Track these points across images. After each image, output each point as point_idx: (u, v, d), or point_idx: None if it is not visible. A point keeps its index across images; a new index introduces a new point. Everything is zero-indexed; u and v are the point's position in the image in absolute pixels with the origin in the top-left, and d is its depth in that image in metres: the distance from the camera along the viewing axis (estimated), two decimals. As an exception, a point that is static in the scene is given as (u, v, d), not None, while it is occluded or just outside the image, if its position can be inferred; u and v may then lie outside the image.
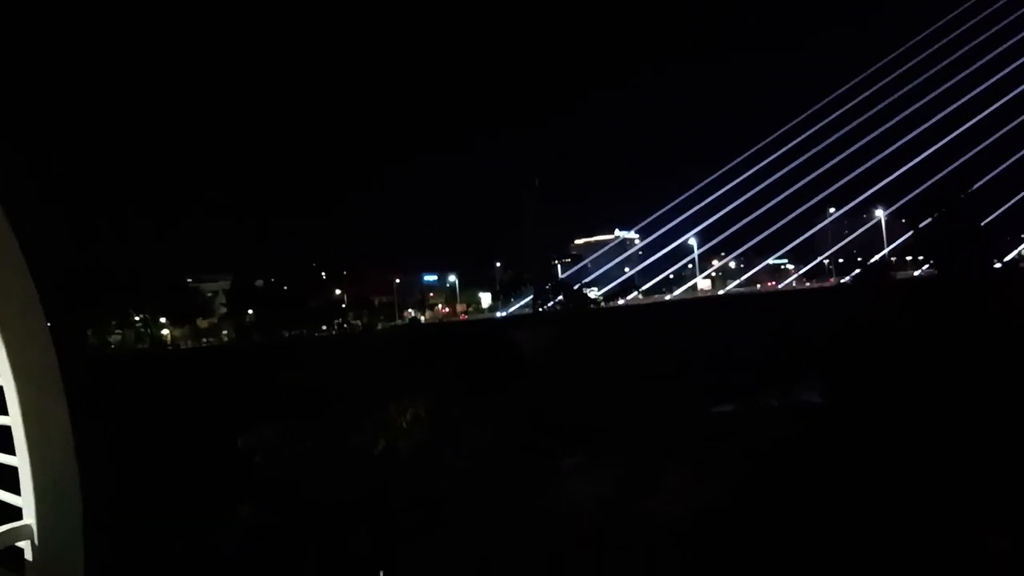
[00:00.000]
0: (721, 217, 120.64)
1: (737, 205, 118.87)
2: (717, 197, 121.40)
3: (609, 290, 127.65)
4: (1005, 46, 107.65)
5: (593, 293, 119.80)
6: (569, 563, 18.43)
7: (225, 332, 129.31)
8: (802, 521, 17.76)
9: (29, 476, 3.13)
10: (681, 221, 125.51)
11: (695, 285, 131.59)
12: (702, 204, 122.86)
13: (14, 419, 3.16)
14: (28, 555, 3.13)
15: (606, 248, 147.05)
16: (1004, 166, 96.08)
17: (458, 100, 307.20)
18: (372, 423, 22.92)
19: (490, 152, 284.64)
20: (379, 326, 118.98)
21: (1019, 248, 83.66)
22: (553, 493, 21.70)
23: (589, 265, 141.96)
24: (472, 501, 20.43)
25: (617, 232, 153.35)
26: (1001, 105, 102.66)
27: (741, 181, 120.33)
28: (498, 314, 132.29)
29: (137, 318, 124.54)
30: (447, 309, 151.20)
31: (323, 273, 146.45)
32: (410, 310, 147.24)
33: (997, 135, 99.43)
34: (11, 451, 3.24)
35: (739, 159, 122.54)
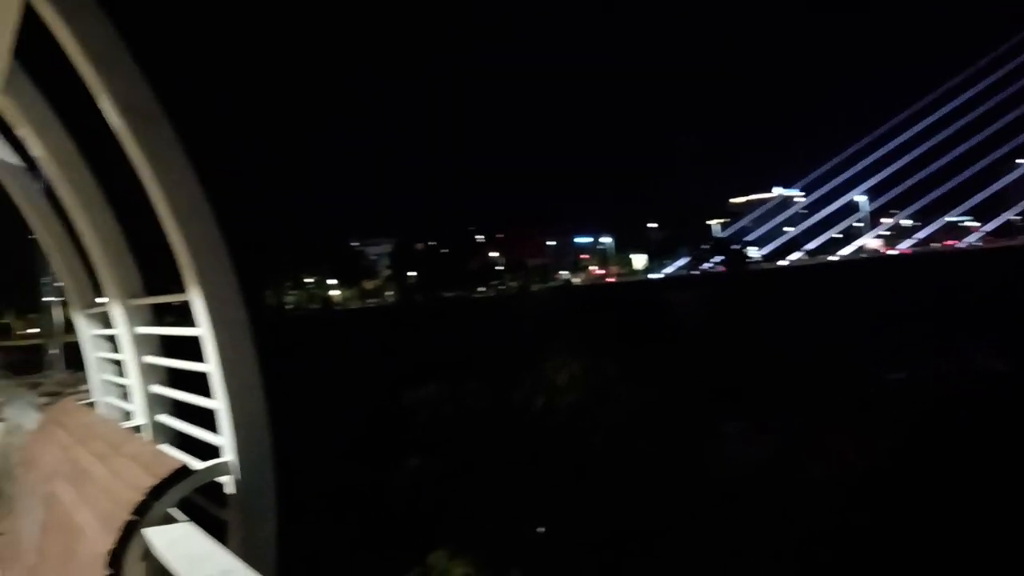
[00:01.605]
0: (894, 172, 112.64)
1: (913, 158, 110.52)
2: (890, 149, 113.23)
3: (770, 250, 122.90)
4: None
5: (753, 253, 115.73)
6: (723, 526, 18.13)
7: (388, 293, 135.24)
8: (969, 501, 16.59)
9: (228, 417, 3.43)
10: (849, 177, 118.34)
11: (863, 245, 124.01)
12: (873, 157, 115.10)
13: (213, 366, 3.46)
14: (229, 489, 3.43)
15: (766, 207, 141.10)
16: None
17: (613, 55, 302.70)
18: (530, 381, 23.32)
19: (645, 109, 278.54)
20: (533, 288, 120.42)
21: None
22: (709, 456, 21.36)
23: (748, 224, 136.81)
24: (625, 460, 20.43)
25: (778, 190, 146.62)
26: None
27: (917, 131, 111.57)
28: (651, 276, 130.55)
29: (309, 280, 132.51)
30: (600, 271, 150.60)
31: (479, 236, 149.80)
32: (563, 272, 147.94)
33: None
34: (211, 395, 3.56)
35: (915, 107, 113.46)
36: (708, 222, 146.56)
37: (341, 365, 36.33)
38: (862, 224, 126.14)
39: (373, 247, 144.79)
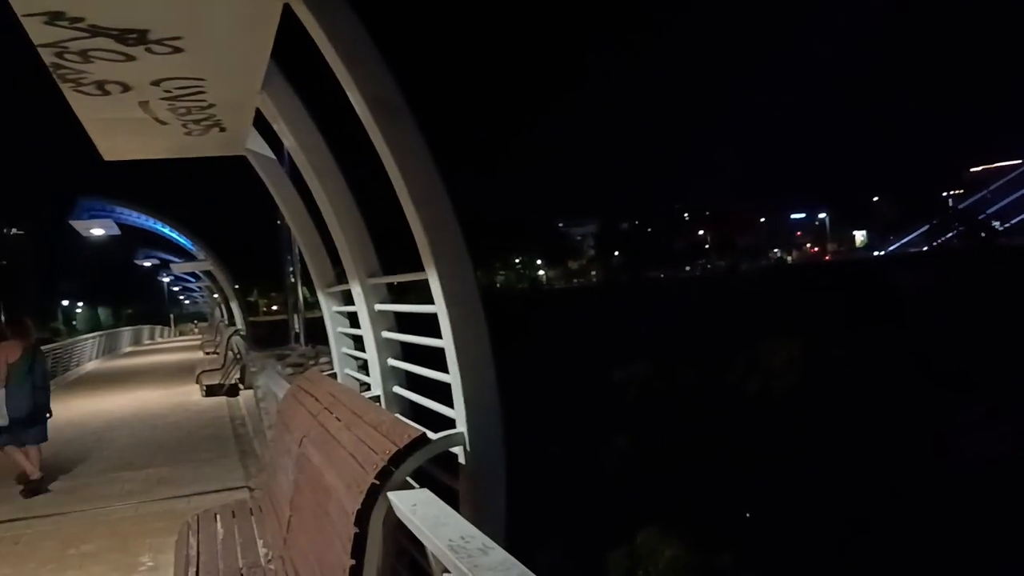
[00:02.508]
0: None
1: None
2: None
3: (1015, 224, 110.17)
4: None
5: (995, 227, 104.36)
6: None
7: (593, 273, 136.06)
8: None
9: (460, 391, 3.59)
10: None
11: None
12: None
13: (447, 342, 3.63)
14: (461, 459, 3.60)
15: (1012, 176, 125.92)
16: None
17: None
18: (745, 363, 22.54)
19: (861, 64, 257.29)
20: (743, 267, 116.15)
21: None
22: (945, 448, 19.62)
23: (989, 195, 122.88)
24: (849, 454, 19.24)
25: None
26: None
27: None
28: (875, 253, 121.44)
29: (516, 260, 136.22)
30: (816, 248, 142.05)
31: (686, 214, 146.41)
32: (776, 250, 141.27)
33: None
34: (446, 369, 3.74)
35: None
36: (942, 193, 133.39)
37: (549, 343, 37.04)
38: None
39: (578, 227, 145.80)
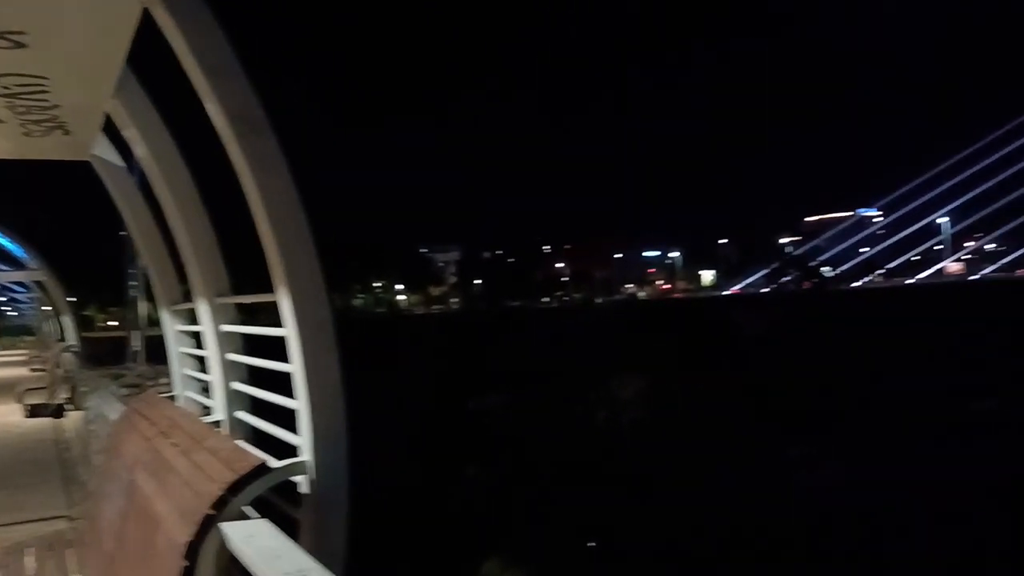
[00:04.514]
0: (980, 193, 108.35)
1: (1001, 179, 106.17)
2: (977, 170, 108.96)
3: (845, 270, 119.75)
4: None
5: (829, 273, 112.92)
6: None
7: (454, 300, 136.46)
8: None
9: (307, 417, 3.49)
10: (932, 198, 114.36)
11: (942, 269, 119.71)
12: (958, 179, 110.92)
13: (296, 366, 3.53)
14: (304, 488, 3.49)
15: (842, 226, 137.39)
16: None
17: (682, 66, 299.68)
18: (594, 396, 23.19)
19: (713, 122, 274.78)
20: (598, 300, 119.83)
21: None
22: (771, 482, 20.84)
23: (822, 244, 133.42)
24: (684, 482, 20.10)
25: (856, 209, 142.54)
26: None
27: (1010, 151, 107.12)
28: (722, 292, 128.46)
29: (377, 284, 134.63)
30: (667, 285, 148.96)
31: (546, 247, 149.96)
32: (629, 285, 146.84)
33: None
34: (291, 395, 3.63)
35: (1008, 126, 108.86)
36: (780, 240, 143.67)
37: (404, 369, 36.72)
38: (942, 247, 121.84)
39: (441, 254, 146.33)
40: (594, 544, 19.65)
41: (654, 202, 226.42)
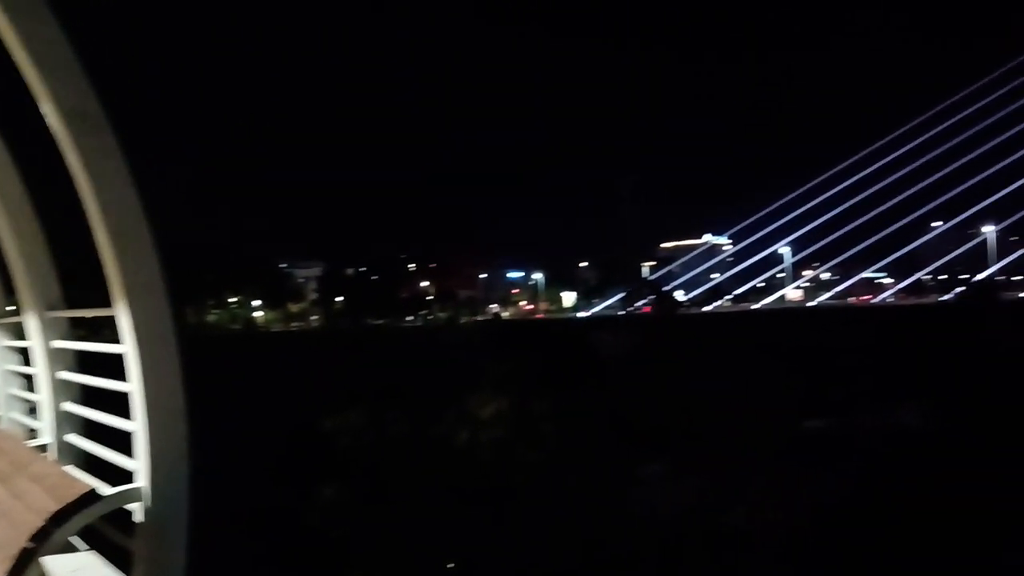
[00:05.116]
0: (818, 226, 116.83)
1: (836, 214, 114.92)
2: (816, 204, 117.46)
3: (697, 295, 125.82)
4: None
5: (680, 297, 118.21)
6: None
7: (315, 317, 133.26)
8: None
9: (145, 440, 3.25)
10: (776, 228, 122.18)
11: (783, 295, 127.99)
12: (799, 211, 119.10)
13: (135, 385, 3.29)
14: (139, 516, 3.24)
15: (695, 253, 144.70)
16: None
17: (548, 96, 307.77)
18: (455, 414, 23.14)
19: (581, 152, 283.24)
20: (463, 319, 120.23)
21: None
22: (628, 498, 21.47)
23: (676, 269, 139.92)
24: (544, 501, 20.38)
25: (707, 237, 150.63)
26: None
27: (842, 189, 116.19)
28: (579, 314, 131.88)
29: (233, 299, 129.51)
30: (530, 306, 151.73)
31: (411, 265, 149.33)
32: (493, 305, 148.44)
33: None
34: (128, 416, 3.38)
35: (841, 166, 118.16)
36: (639, 264, 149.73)
37: (261, 387, 35.47)
38: (784, 275, 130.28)
39: (302, 269, 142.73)
40: (453, 565, 19.55)
41: (519, 224, 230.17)
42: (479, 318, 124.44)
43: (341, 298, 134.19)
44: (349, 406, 23.35)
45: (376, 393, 25.45)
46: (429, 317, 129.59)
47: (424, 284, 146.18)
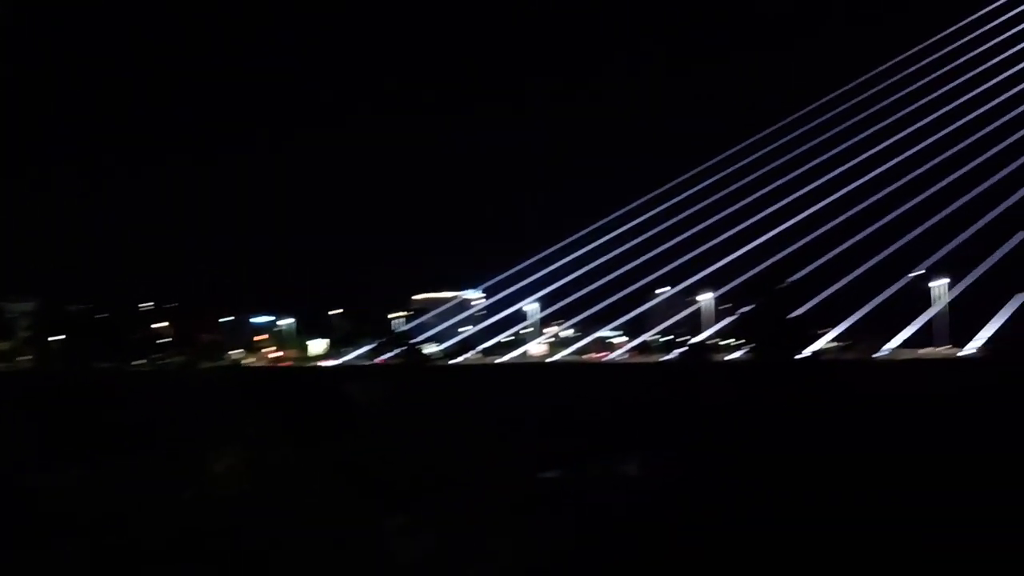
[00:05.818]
0: (564, 284, 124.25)
1: (580, 275, 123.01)
2: (563, 264, 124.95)
3: (448, 347, 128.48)
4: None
5: (433, 349, 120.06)
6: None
7: (26, 357, 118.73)
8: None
9: None
10: (527, 285, 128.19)
11: (527, 351, 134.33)
12: (548, 269, 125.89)
13: None
14: None
15: (447, 306, 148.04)
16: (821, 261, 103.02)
17: (308, 143, 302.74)
18: (186, 468, 21.67)
19: (339, 202, 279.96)
20: (201, 365, 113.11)
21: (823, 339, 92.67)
22: (371, 551, 21.17)
23: (429, 320, 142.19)
24: (282, 555, 19.64)
25: (460, 292, 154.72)
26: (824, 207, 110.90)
27: (586, 252, 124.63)
28: (327, 363, 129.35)
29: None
30: (277, 353, 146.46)
31: (145, 304, 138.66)
32: (236, 350, 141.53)
33: (815, 234, 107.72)
34: None
35: (587, 229, 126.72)
36: (390, 315, 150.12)
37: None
38: (532, 330, 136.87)
39: (14, 304, 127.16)
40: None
41: (270, 269, 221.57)
42: (219, 364, 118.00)
43: (61, 336, 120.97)
44: (63, 460, 21.09)
45: (95, 445, 23.24)
46: (163, 361, 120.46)
47: (160, 326, 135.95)
